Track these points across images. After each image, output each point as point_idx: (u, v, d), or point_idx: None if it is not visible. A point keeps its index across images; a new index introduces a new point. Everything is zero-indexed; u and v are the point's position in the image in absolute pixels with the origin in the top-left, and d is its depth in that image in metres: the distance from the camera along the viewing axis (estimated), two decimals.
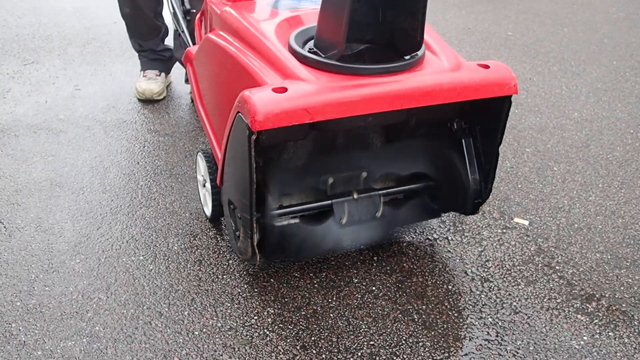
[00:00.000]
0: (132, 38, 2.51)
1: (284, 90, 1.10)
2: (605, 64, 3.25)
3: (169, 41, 2.55)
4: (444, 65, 1.25)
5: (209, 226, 1.67)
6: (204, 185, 1.65)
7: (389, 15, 1.18)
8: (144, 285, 1.43)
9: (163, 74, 2.56)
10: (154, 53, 2.52)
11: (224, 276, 1.47)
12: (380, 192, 1.42)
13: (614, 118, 2.49)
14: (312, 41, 1.29)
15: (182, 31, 1.74)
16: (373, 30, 1.21)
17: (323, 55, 1.21)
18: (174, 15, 1.76)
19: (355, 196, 1.38)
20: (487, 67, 1.26)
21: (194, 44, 1.73)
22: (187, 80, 2.49)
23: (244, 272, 1.49)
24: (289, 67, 1.19)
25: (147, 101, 2.48)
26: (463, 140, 1.40)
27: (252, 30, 1.32)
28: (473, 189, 1.41)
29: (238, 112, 1.14)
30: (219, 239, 1.61)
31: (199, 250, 1.56)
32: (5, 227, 1.63)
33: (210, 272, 1.49)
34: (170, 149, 2.11)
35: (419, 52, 1.23)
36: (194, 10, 1.79)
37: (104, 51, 3.12)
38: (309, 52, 1.24)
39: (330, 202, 1.38)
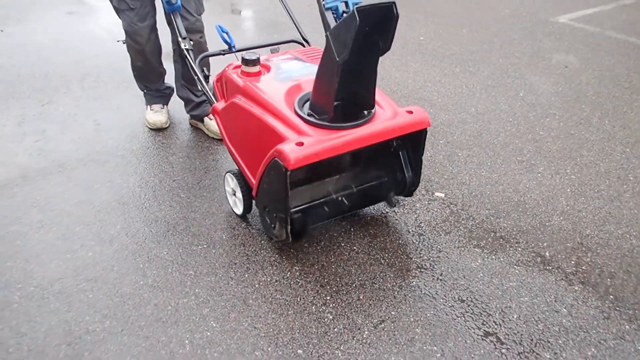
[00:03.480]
0: (139, 82, 3.25)
1: (301, 144, 1.96)
2: (494, 62, 4.23)
3: (168, 79, 3.31)
4: (387, 115, 2.14)
5: (240, 221, 2.52)
6: (234, 194, 2.49)
7: (354, 87, 2.05)
8: (215, 263, 2.27)
9: (165, 107, 3.34)
10: (159, 92, 3.29)
11: (262, 251, 2.34)
12: (355, 189, 2.32)
13: (498, 110, 3.49)
14: (308, 102, 2.15)
15: (207, 91, 2.53)
16: (345, 95, 2.08)
17: (317, 117, 2.07)
18: (198, 80, 2.55)
19: (339, 198, 2.28)
20: (411, 112, 2.17)
21: (216, 99, 2.53)
22: (188, 111, 3.26)
23: (274, 247, 2.36)
24: (299, 127, 2.05)
25: (157, 129, 3.26)
26: (400, 153, 2.31)
27: (269, 100, 2.16)
28: (409, 181, 2.34)
29: (274, 157, 1.99)
30: (250, 228, 2.47)
31: (240, 237, 2.41)
32: (103, 237, 2.42)
33: (252, 250, 2.35)
34: (191, 167, 2.92)
35: (372, 110, 2.12)
36: (209, 74, 2.58)
37: (101, 85, 3.82)
38: (308, 115, 2.10)
39: (325, 199, 2.27)
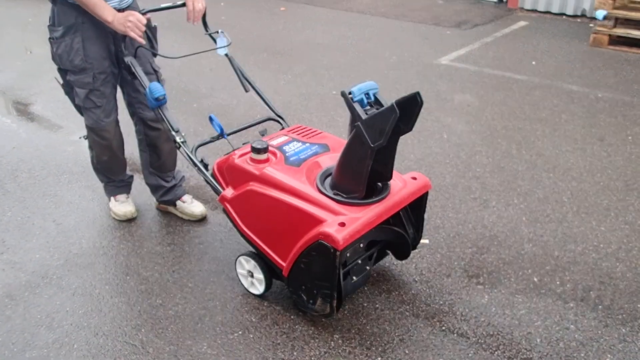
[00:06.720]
0: (102, 174, 3.18)
1: (344, 224, 2.15)
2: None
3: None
4: (398, 184, 2.41)
5: (260, 300, 2.60)
6: (252, 276, 2.58)
7: (378, 166, 2.28)
8: (259, 348, 2.34)
9: (129, 196, 3.29)
10: (122, 182, 3.24)
11: (297, 326, 2.45)
12: (371, 252, 2.53)
13: (434, 154, 3.89)
14: (328, 180, 2.33)
15: (209, 181, 2.60)
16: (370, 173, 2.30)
17: (345, 196, 2.27)
18: (199, 170, 2.60)
19: (360, 261, 2.48)
20: (416, 178, 2.46)
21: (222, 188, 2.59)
22: (158, 198, 3.25)
23: (305, 320, 2.48)
24: (332, 207, 2.23)
25: (128, 220, 3.20)
26: (400, 212, 2.58)
27: (294, 185, 2.31)
28: (412, 238, 2.61)
29: (318, 239, 2.16)
30: (273, 305, 2.56)
31: (269, 317, 2.50)
32: (134, 344, 2.37)
33: (287, 327, 2.45)
34: (183, 254, 2.93)
35: (389, 182, 2.37)
36: (208, 164, 2.65)
37: (39, 181, 3.64)
38: (334, 194, 2.29)
39: (348, 269, 2.46)
